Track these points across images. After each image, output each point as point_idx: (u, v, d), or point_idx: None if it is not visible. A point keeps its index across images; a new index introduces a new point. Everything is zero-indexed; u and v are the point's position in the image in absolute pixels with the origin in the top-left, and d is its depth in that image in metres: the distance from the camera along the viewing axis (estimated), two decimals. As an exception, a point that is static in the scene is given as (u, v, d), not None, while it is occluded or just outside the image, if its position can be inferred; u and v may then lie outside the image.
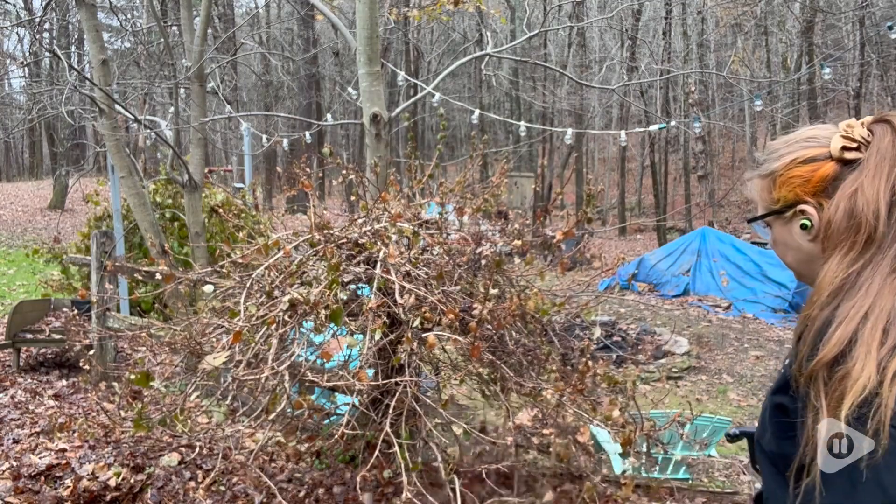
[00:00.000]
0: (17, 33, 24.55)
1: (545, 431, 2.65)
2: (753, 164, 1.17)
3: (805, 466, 0.95)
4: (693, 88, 17.37)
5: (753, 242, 12.47)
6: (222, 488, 3.20)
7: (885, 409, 0.87)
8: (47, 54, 15.67)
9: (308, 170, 2.99)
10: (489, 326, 2.43)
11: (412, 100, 5.91)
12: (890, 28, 6.26)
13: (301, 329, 2.45)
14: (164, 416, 2.64)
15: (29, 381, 5.39)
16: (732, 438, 1.47)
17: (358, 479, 2.22)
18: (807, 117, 17.43)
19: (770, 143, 1.15)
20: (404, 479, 2.08)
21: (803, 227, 1.07)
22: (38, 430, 4.04)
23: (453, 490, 2.20)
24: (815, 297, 1.00)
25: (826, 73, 7.09)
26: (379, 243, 2.55)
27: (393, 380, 2.32)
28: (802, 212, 1.07)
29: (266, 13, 24.59)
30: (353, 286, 2.63)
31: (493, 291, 2.48)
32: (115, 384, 2.98)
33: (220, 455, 3.16)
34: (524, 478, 2.94)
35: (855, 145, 1.04)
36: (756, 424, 1.22)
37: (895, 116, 1.05)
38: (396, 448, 2.12)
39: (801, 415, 0.95)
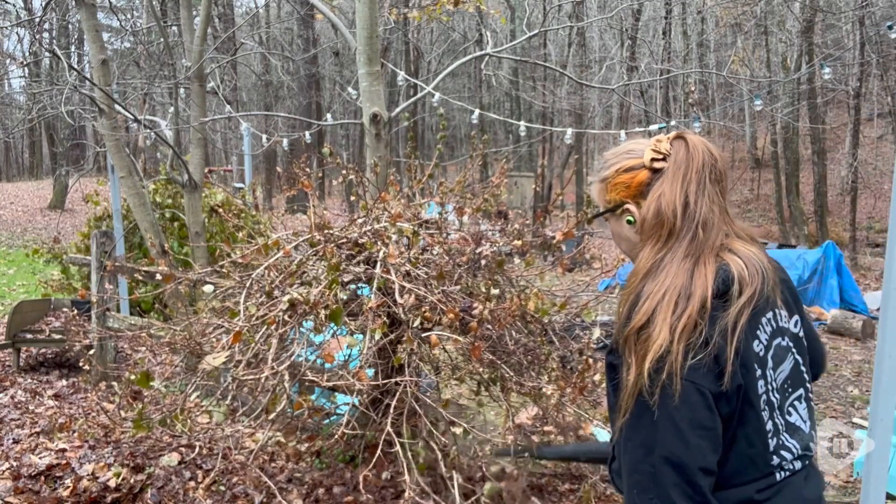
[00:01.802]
0: (17, 33, 24.55)
1: (546, 429, 2.65)
2: (593, 171, 1.41)
3: (622, 409, 1.18)
4: (693, 88, 17.36)
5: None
6: (222, 488, 3.20)
7: (675, 361, 1.11)
8: (47, 54, 15.67)
9: (308, 170, 2.98)
10: (489, 326, 2.43)
11: (412, 100, 5.91)
12: (890, 28, 6.25)
13: (301, 329, 2.45)
14: (164, 417, 2.64)
15: (29, 381, 5.38)
16: None
17: (360, 478, 2.22)
18: (807, 117, 17.41)
19: (604, 154, 1.39)
20: (406, 479, 2.08)
21: (629, 222, 1.32)
22: (38, 430, 4.03)
23: (454, 489, 2.20)
24: (632, 279, 1.24)
25: (826, 72, 7.09)
26: (379, 243, 2.55)
27: (393, 380, 2.32)
28: (627, 210, 1.31)
29: (266, 13, 24.59)
30: (353, 286, 2.63)
31: (494, 291, 2.48)
32: (115, 384, 2.98)
33: (220, 455, 3.16)
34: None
35: (661, 156, 1.27)
36: None
37: (689, 133, 1.29)
38: (398, 448, 2.12)
39: (620, 370, 1.19)
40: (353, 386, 2.27)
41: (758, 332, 1.21)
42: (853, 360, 6.92)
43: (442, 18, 7.80)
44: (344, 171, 3.04)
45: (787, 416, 1.25)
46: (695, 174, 1.23)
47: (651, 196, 1.25)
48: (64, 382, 5.37)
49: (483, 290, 2.47)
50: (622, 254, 1.42)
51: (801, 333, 1.33)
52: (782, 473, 1.22)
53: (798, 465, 1.25)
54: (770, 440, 1.20)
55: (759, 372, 1.19)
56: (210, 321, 2.69)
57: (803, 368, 1.32)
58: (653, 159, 1.27)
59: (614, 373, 1.24)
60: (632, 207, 1.30)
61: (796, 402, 1.28)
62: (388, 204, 2.78)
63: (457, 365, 2.88)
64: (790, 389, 1.27)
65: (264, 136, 7.94)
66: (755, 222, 21.53)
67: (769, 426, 1.20)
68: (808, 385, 1.33)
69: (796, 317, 1.33)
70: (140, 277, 4.48)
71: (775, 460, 1.21)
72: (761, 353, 1.21)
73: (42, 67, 19.64)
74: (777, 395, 1.24)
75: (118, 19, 11.31)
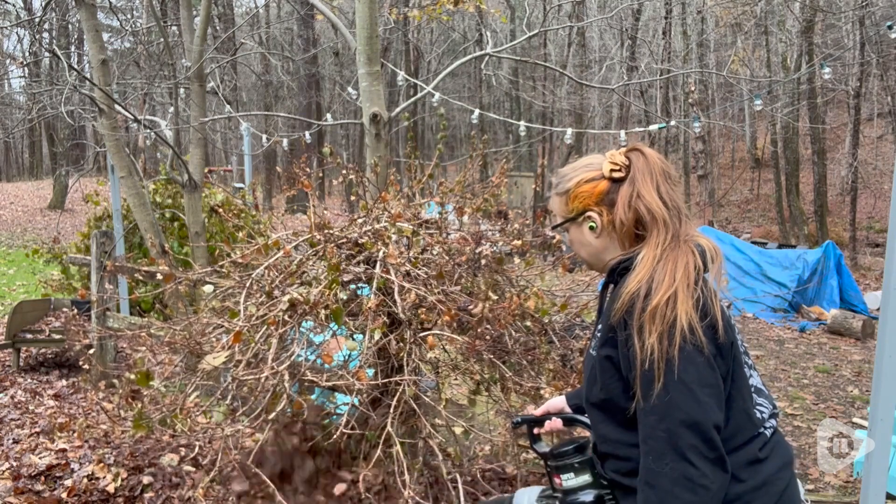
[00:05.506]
0: (17, 33, 24.54)
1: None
2: (551, 187, 1.54)
3: (635, 385, 1.25)
4: (693, 88, 17.36)
5: (753, 242, 12.44)
6: (220, 488, 3.20)
7: (695, 327, 1.22)
8: (47, 54, 15.67)
9: (308, 170, 2.98)
10: (489, 326, 2.42)
11: (412, 100, 5.90)
12: (890, 28, 6.25)
13: (301, 329, 2.44)
14: (163, 416, 2.64)
15: (29, 381, 5.38)
16: (515, 426, 1.74)
17: (360, 478, 2.21)
18: (807, 117, 17.40)
19: (560, 170, 1.53)
20: (406, 478, 2.08)
21: (591, 228, 1.45)
22: (38, 430, 4.03)
23: (455, 489, 2.20)
24: (639, 271, 1.31)
25: (826, 72, 7.08)
26: (379, 243, 2.55)
27: (392, 379, 2.32)
28: (589, 217, 1.45)
29: (266, 13, 24.57)
30: (353, 286, 2.63)
31: (493, 297, 2.48)
32: (115, 384, 2.98)
33: (220, 455, 3.15)
34: (524, 478, 2.93)
35: (618, 167, 1.42)
36: (534, 412, 1.70)
37: (643, 145, 1.45)
38: (398, 448, 2.11)
39: (628, 353, 1.26)
40: (352, 386, 2.27)
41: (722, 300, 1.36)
42: (853, 360, 6.92)
43: (442, 18, 7.80)
44: (344, 171, 3.04)
45: (751, 379, 1.39)
46: (659, 176, 1.39)
47: (622, 201, 1.39)
48: (64, 382, 5.37)
49: (483, 289, 2.47)
50: (580, 260, 1.56)
51: None
52: (769, 430, 1.34)
53: (775, 423, 1.38)
54: (753, 395, 1.34)
55: (736, 331, 1.33)
56: (210, 321, 2.69)
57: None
58: (611, 170, 1.42)
59: (611, 364, 1.33)
60: (593, 214, 1.44)
61: (751, 369, 1.42)
62: (388, 204, 2.78)
63: (456, 364, 2.88)
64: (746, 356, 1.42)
65: (264, 136, 7.93)
66: (755, 222, 21.51)
67: (752, 381, 1.35)
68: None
69: None
70: (140, 277, 4.48)
71: (758, 414, 1.33)
72: (730, 318, 1.34)
73: (42, 67, 19.64)
74: (748, 357, 1.38)
75: (118, 19, 11.31)
